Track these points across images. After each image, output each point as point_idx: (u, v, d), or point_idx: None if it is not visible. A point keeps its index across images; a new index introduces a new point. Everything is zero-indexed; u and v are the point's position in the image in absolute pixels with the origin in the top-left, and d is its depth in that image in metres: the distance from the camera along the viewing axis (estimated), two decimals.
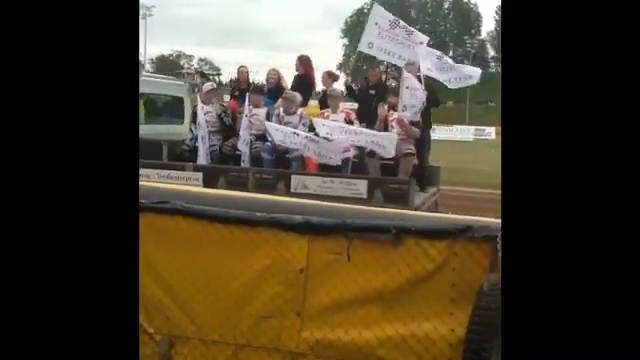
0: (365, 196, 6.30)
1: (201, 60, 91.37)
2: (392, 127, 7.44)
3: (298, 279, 2.95)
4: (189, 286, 3.14)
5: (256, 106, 7.98)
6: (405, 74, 7.33)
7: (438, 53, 8.03)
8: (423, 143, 7.66)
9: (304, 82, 8.56)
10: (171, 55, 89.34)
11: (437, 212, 5.38)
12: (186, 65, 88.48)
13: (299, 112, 7.71)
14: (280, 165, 7.54)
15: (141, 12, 66.06)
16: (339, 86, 8.56)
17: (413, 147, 7.33)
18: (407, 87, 7.17)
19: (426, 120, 7.73)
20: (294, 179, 6.77)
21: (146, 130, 8.93)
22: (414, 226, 2.75)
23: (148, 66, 78.27)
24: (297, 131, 7.23)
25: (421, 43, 7.75)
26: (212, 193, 3.44)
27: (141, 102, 9.28)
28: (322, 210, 3.03)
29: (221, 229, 3.06)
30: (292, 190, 6.63)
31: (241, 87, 8.90)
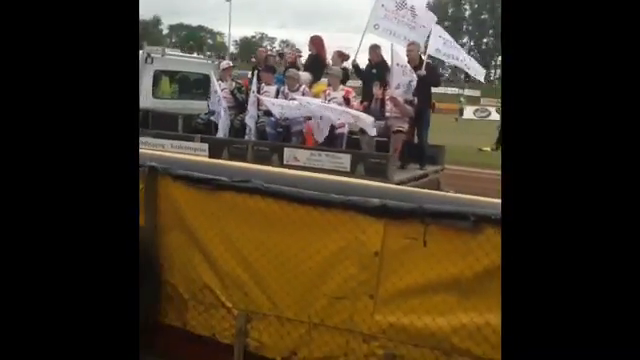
0: (349, 169, 6.64)
1: (283, 42, 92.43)
2: (387, 104, 7.63)
3: (372, 262, 2.96)
4: (266, 263, 3.22)
5: (267, 84, 8.39)
6: (394, 51, 7.44)
7: (447, 37, 8.05)
8: (422, 122, 7.82)
9: (316, 61, 8.82)
10: (254, 37, 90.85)
11: (439, 190, 5.54)
12: (268, 47, 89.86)
13: (302, 89, 8.03)
14: (283, 139, 7.93)
15: None
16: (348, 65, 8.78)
17: (406, 125, 7.49)
18: (397, 64, 7.28)
19: (426, 99, 7.81)
20: (286, 152, 7.22)
21: (175, 105, 9.57)
22: (494, 214, 2.68)
23: (232, 48, 79.95)
24: (288, 102, 7.61)
25: (423, 27, 7.86)
26: (291, 174, 3.50)
27: (169, 79, 10.05)
28: (399, 194, 3.02)
29: (298, 209, 3.11)
30: (284, 162, 7.06)
31: (259, 66, 9.40)
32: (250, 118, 8.12)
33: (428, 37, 7.97)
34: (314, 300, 3.12)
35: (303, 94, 7.85)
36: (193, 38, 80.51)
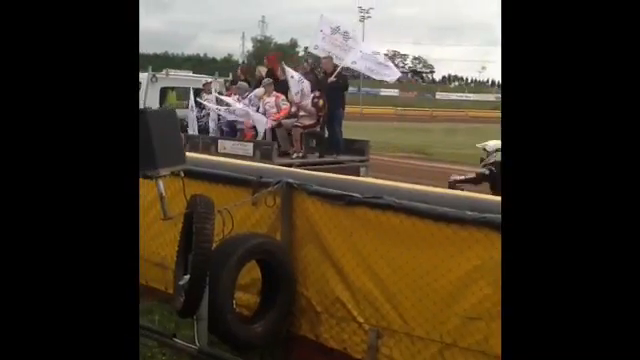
0: (252, 154, 9.08)
1: (415, 59, 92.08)
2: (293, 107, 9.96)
3: None
4: (398, 280, 3.21)
5: (234, 94, 11.06)
6: (286, 68, 9.89)
7: (374, 49, 10.28)
8: (334, 119, 9.80)
9: (270, 75, 10.87)
10: (386, 55, 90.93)
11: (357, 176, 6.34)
12: (400, 64, 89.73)
13: (249, 96, 10.50)
14: (234, 135, 10.69)
15: (359, 15, 68.75)
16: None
17: (308, 121, 9.51)
18: (292, 77, 9.54)
19: (338, 100, 9.92)
20: (219, 143, 10.01)
21: (178, 113, 12.10)
22: None
23: None
24: (219, 107, 10.82)
25: (353, 48, 9.95)
26: (423, 190, 3.47)
27: (175, 93, 13.11)
28: None
29: (431, 226, 3.07)
30: (219, 151, 9.63)
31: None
32: (212, 121, 11.14)
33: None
34: (446, 319, 3.05)
35: (249, 100, 10.45)
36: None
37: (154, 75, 12.54)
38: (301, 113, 9.63)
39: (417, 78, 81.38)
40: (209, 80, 12.58)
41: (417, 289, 3.13)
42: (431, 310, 3.10)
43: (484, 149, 6.84)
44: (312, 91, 9.56)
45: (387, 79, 10.70)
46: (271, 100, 10.10)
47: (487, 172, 6.65)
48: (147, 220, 4.48)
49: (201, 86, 12.10)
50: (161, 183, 3.35)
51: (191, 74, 14.56)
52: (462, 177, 7.18)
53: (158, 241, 4.39)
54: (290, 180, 3.67)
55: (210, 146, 9.95)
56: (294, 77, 9.59)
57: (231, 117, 10.64)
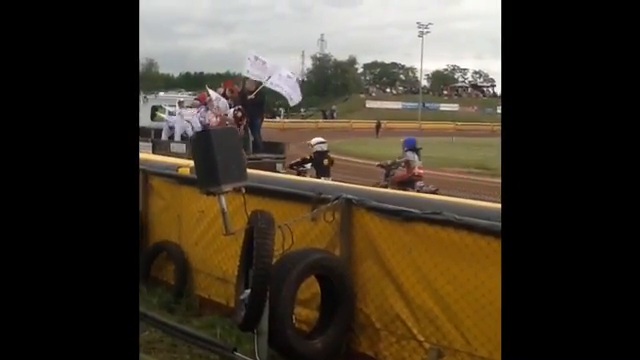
0: (184, 152, 10.92)
1: (475, 73, 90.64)
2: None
3: None
4: (459, 298, 3.15)
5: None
6: (208, 90, 13.28)
7: (289, 73, 13.34)
8: (253, 127, 12.74)
9: (223, 95, 13.80)
10: (446, 69, 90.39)
11: (273, 172, 7.75)
12: (460, 79, 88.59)
13: (200, 110, 13.35)
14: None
15: (418, 30, 68.41)
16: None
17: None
18: (213, 96, 12.83)
19: (256, 112, 12.89)
20: (171, 145, 13.09)
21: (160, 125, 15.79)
22: None
23: (424, 82, 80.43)
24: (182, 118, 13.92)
25: (274, 73, 12.68)
26: (484, 206, 3.40)
27: (163, 110, 15.93)
28: None
29: (492, 243, 3.00)
30: (171, 150, 12.31)
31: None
32: (180, 128, 13.75)
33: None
34: None
35: (200, 113, 13.24)
36: (386, 75, 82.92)
37: (145, 97, 16.60)
38: (227, 122, 12.45)
39: (478, 92, 79.96)
40: (182, 99, 16.27)
41: (479, 308, 3.06)
42: (494, 330, 3.02)
43: (309, 144, 10.43)
44: (235, 105, 12.47)
45: (293, 100, 13.49)
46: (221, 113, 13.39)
47: (309, 157, 10.26)
48: (210, 235, 4.60)
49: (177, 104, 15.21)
50: (223, 199, 3.44)
51: (177, 94, 18.74)
52: (294, 161, 10.49)
53: (220, 256, 4.48)
54: (349, 196, 3.68)
55: (167, 147, 13.17)
56: (212, 96, 13.00)
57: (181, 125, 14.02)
